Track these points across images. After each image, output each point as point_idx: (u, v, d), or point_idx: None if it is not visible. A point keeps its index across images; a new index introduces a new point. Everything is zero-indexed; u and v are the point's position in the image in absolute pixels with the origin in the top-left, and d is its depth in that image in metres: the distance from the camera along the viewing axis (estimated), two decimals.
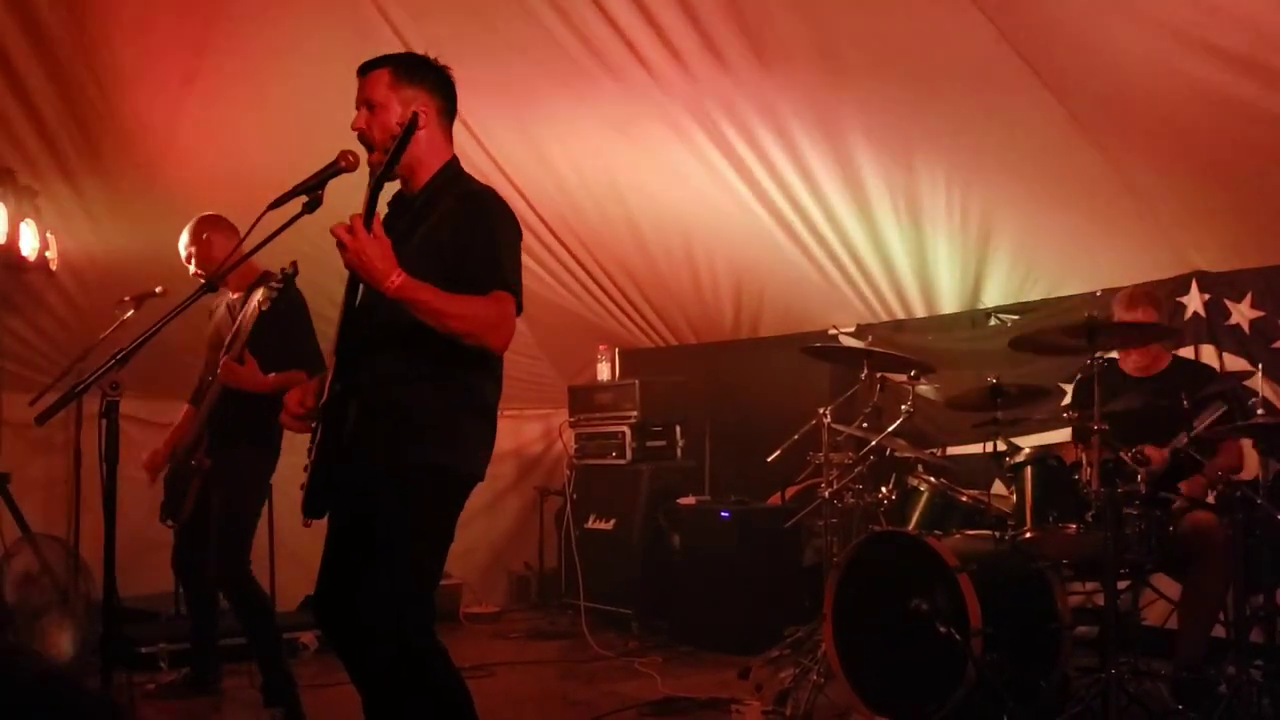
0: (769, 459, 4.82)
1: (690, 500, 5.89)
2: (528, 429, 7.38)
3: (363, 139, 2.71)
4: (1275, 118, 3.89)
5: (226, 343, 4.03)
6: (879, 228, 5.27)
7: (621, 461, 6.14)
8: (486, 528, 6.85)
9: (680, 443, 6.29)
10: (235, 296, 4.20)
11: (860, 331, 5.89)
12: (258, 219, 2.70)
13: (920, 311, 5.74)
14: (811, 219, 5.35)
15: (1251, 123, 3.95)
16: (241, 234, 3.99)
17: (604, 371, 6.70)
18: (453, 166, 2.80)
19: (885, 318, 5.86)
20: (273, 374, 3.96)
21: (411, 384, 2.61)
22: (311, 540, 2.98)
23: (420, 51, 2.86)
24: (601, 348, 6.75)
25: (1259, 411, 3.71)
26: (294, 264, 3.76)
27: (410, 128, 2.55)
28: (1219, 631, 3.96)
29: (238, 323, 3.96)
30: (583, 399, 6.52)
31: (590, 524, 6.21)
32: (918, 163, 4.81)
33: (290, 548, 5.33)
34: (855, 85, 4.50)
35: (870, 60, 4.33)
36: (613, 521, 6.11)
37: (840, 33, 4.27)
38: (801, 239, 5.51)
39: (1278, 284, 4.56)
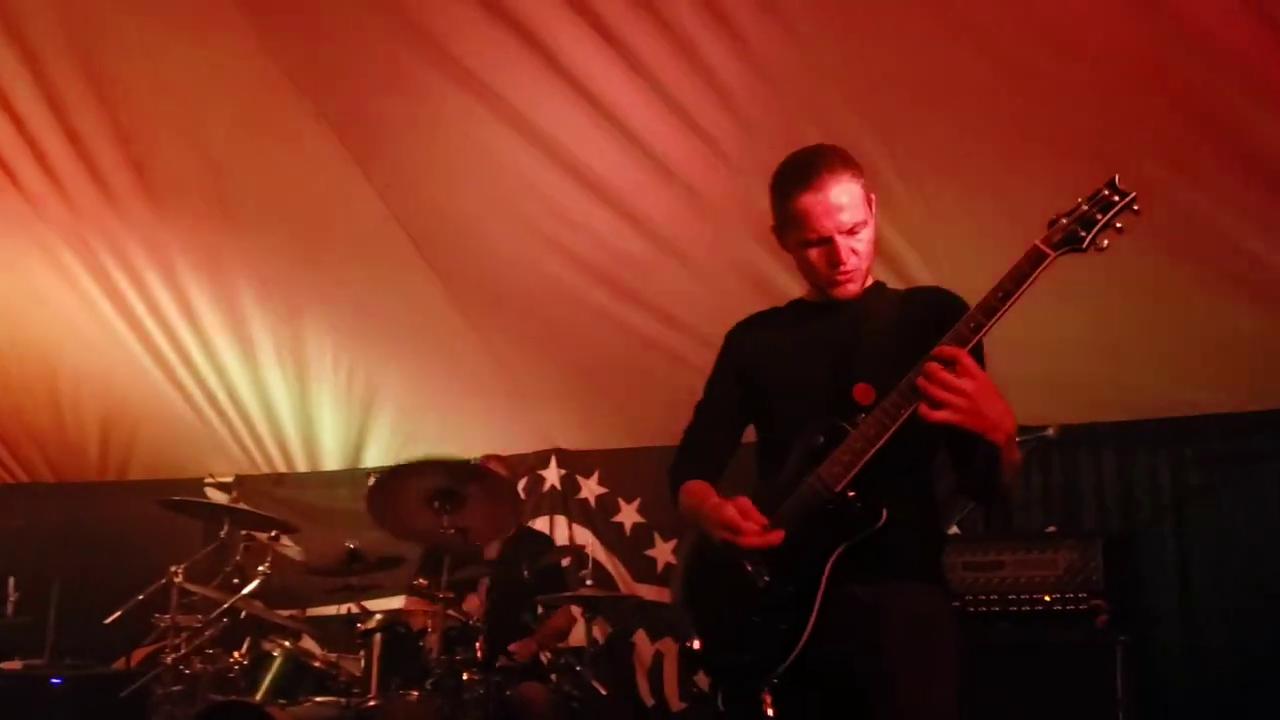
0: (105, 620, 4.35)
1: (15, 665, 5.09)
2: None
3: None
4: (618, 322, 4.46)
5: None
6: (264, 378, 5.17)
7: None
8: None
9: (13, 596, 5.47)
10: None
11: (239, 482, 5.65)
12: None
13: (303, 466, 5.64)
14: (192, 359, 5.11)
15: (597, 321, 4.48)
16: None
17: None
18: None
19: (266, 469, 5.68)
20: None
21: None
22: None
23: None
24: None
25: (588, 582, 4.09)
26: None
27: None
28: None
29: None
30: None
31: None
32: (305, 319, 4.83)
33: None
34: (245, 233, 4.45)
35: (260, 213, 4.31)
36: None
37: (232, 179, 4.22)
38: (179, 378, 5.23)
39: (619, 464, 5.13)
